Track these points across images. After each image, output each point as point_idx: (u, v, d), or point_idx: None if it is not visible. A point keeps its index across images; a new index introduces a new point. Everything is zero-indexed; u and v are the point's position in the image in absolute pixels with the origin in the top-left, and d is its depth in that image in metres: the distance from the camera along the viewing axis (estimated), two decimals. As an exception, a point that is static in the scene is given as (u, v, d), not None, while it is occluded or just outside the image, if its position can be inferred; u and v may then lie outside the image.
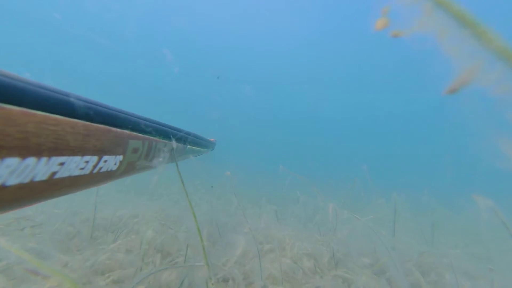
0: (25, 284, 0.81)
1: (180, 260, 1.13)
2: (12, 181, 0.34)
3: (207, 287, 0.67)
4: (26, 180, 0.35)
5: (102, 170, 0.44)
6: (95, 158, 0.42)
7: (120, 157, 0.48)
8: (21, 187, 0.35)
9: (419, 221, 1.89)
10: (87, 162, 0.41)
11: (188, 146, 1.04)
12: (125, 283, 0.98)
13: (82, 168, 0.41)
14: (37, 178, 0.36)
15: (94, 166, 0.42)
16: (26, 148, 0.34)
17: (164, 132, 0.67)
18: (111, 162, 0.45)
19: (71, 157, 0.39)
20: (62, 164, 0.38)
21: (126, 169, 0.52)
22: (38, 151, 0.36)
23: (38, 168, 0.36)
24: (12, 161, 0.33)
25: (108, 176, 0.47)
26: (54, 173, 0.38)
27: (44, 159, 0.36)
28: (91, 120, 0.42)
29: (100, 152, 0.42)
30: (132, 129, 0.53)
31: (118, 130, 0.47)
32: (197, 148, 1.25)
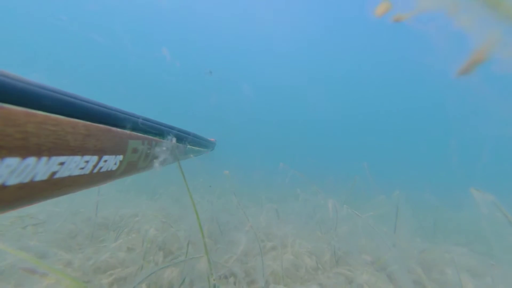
0: (25, 283, 0.82)
1: (182, 258, 1.13)
2: (12, 180, 0.34)
3: (208, 283, 0.67)
4: (26, 180, 0.35)
5: (102, 170, 0.44)
6: (95, 158, 0.42)
7: (120, 157, 0.48)
8: (21, 186, 0.35)
9: (421, 218, 1.89)
10: (87, 162, 0.41)
11: (188, 146, 1.04)
12: (127, 282, 0.99)
13: (82, 168, 0.41)
14: (37, 178, 0.36)
15: (94, 166, 0.43)
16: (26, 148, 0.34)
17: (164, 132, 0.67)
18: (111, 162, 0.46)
19: (71, 157, 0.39)
20: (62, 164, 0.39)
21: (126, 169, 0.52)
22: (38, 151, 0.36)
23: (38, 168, 0.36)
24: (12, 161, 0.33)
25: (108, 176, 0.47)
26: (54, 173, 0.38)
27: (44, 159, 0.37)
28: (91, 120, 0.42)
29: (100, 152, 0.43)
30: (132, 129, 0.53)
31: (118, 130, 0.47)
32: (197, 148, 1.25)
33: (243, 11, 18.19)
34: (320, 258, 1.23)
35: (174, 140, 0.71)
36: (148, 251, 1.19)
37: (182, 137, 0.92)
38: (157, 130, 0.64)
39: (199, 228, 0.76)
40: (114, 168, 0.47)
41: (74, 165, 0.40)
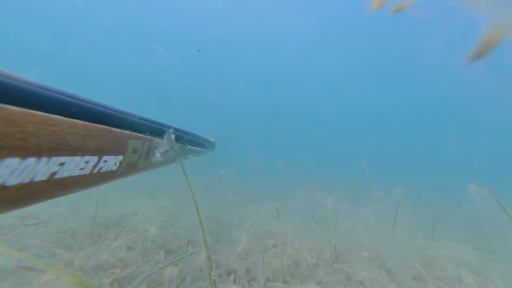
0: (24, 281, 0.82)
1: (182, 256, 1.14)
2: (12, 181, 0.34)
3: (209, 279, 0.67)
4: (26, 180, 0.35)
5: (102, 170, 0.44)
6: (95, 158, 0.42)
7: (120, 157, 0.48)
8: (21, 187, 0.35)
9: (420, 214, 1.89)
10: (87, 162, 0.41)
11: (188, 146, 1.04)
12: (128, 281, 0.99)
13: (82, 168, 0.41)
14: (37, 178, 0.36)
15: (94, 166, 0.43)
16: (26, 148, 0.34)
17: (164, 133, 0.67)
18: (111, 162, 0.45)
19: (71, 157, 0.39)
20: (62, 164, 0.39)
21: (126, 169, 0.52)
22: (38, 151, 0.36)
23: (38, 168, 0.36)
24: (12, 161, 0.33)
25: (108, 176, 0.47)
26: (54, 173, 0.38)
27: (44, 159, 0.36)
28: (91, 121, 0.42)
29: (100, 152, 0.42)
30: (132, 129, 0.53)
31: (118, 130, 0.47)
32: (197, 148, 1.25)
33: (241, 8, 18.13)
34: (320, 255, 1.23)
35: (174, 140, 0.70)
36: (148, 250, 1.19)
37: (182, 137, 0.92)
38: (157, 131, 0.64)
39: (199, 227, 0.76)
40: (114, 168, 0.47)
41: (74, 165, 0.40)
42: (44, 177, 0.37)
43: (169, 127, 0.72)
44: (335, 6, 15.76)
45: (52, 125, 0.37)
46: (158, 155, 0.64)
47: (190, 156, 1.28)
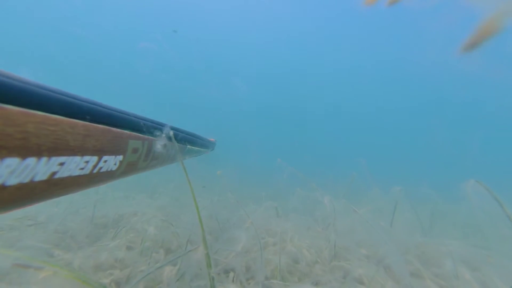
0: (22, 280, 0.82)
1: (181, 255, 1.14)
2: (12, 181, 0.34)
3: (209, 277, 0.67)
4: (26, 180, 0.35)
5: (102, 170, 0.44)
6: (95, 158, 0.42)
7: (120, 157, 0.48)
8: (21, 187, 0.35)
9: (418, 212, 1.90)
10: (87, 162, 0.41)
11: (188, 146, 1.04)
12: (126, 281, 0.99)
13: (82, 168, 0.41)
14: (37, 178, 0.36)
15: (94, 166, 0.43)
16: (26, 148, 0.34)
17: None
18: (111, 162, 0.46)
19: (71, 157, 0.39)
20: (62, 164, 0.39)
21: (126, 169, 0.52)
22: (38, 151, 0.36)
23: (38, 168, 0.36)
24: (12, 161, 0.33)
25: (108, 176, 0.47)
26: (54, 173, 0.38)
27: (44, 159, 0.37)
28: (91, 120, 0.42)
29: (100, 152, 0.43)
30: (132, 129, 0.53)
31: (118, 130, 0.47)
32: (197, 148, 1.25)
33: (237, 6, 18.03)
34: (318, 253, 1.24)
35: (174, 140, 0.70)
36: (147, 249, 1.19)
37: (182, 137, 0.92)
38: (157, 130, 0.64)
39: (198, 226, 0.76)
40: (114, 168, 0.47)
41: (74, 165, 0.40)
42: (44, 177, 0.37)
43: (169, 127, 0.72)
44: (332, 2, 15.74)
45: (52, 125, 0.37)
46: (158, 155, 0.64)
47: (190, 156, 1.28)
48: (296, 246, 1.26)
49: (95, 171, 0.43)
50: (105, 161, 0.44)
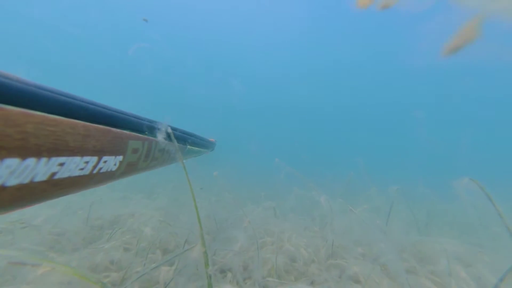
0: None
1: (180, 256, 1.14)
2: (12, 181, 0.34)
3: (206, 274, 0.67)
4: (26, 181, 0.35)
5: (102, 170, 0.44)
6: (94, 159, 0.42)
7: (120, 158, 0.48)
8: (21, 187, 0.35)
9: (414, 211, 1.94)
10: (86, 162, 0.41)
11: (188, 146, 1.03)
12: (124, 281, 0.98)
13: (82, 169, 0.41)
14: (37, 179, 0.36)
15: (94, 167, 0.43)
16: (25, 148, 0.34)
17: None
18: (111, 162, 0.46)
19: (70, 158, 0.39)
20: (62, 164, 0.38)
21: (126, 169, 0.52)
22: (38, 152, 0.36)
23: (38, 169, 0.36)
24: (12, 162, 0.33)
25: (108, 176, 0.47)
26: (54, 174, 0.38)
27: (43, 160, 0.36)
28: (91, 121, 0.42)
29: (100, 152, 0.43)
30: (132, 130, 0.53)
31: (118, 130, 0.47)
32: (197, 148, 1.24)
33: (229, 6, 18.01)
34: (315, 252, 1.26)
35: (174, 140, 0.70)
36: (145, 250, 1.19)
37: (182, 137, 0.92)
38: (157, 131, 0.64)
39: (196, 227, 0.76)
40: (114, 168, 0.47)
41: (73, 165, 0.40)
42: (44, 178, 0.37)
43: (169, 127, 0.72)
44: (328, 3, 15.84)
45: (51, 126, 0.37)
46: (158, 155, 0.64)
47: (190, 156, 1.28)
48: (294, 245, 1.28)
49: (95, 171, 0.43)
50: (105, 162, 0.44)
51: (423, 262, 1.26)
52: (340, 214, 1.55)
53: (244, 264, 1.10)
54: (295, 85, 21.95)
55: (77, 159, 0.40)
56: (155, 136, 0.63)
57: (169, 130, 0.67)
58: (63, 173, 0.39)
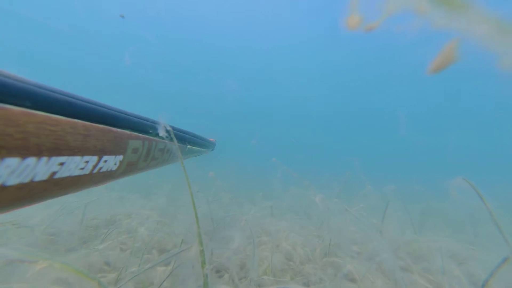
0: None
1: (177, 255, 1.13)
2: (12, 181, 0.34)
3: (202, 272, 0.68)
4: (26, 180, 0.35)
5: (102, 170, 0.44)
6: (95, 158, 0.42)
7: (120, 157, 0.48)
8: (21, 187, 0.35)
9: (409, 210, 1.97)
10: (87, 162, 0.41)
11: (188, 146, 1.03)
12: (120, 281, 0.98)
13: (82, 168, 0.41)
14: (37, 178, 0.36)
15: (94, 166, 0.43)
16: (26, 148, 0.34)
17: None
18: (111, 162, 0.46)
19: (71, 157, 0.39)
20: (62, 164, 0.39)
21: (126, 169, 0.52)
22: (38, 151, 0.36)
23: (38, 168, 0.36)
24: (12, 161, 0.33)
25: (108, 176, 0.47)
26: (54, 173, 0.38)
27: (44, 159, 0.36)
28: (91, 120, 0.42)
29: (100, 152, 0.43)
30: (132, 129, 0.53)
31: (118, 130, 0.47)
32: (197, 148, 1.24)
33: (231, 10, 18.00)
34: (312, 250, 1.27)
35: (174, 140, 0.70)
36: (141, 250, 1.18)
37: (182, 137, 0.92)
38: (157, 130, 0.64)
39: (192, 227, 0.77)
40: (114, 168, 0.47)
41: (74, 165, 0.40)
42: (44, 177, 0.37)
43: (169, 126, 0.72)
44: (324, 7, 15.96)
45: (52, 125, 0.37)
46: (158, 155, 0.64)
47: (190, 156, 1.27)
48: (290, 244, 1.29)
49: (95, 171, 0.43)
50: (105, 161, 0.44)
51: (417, 260, 1.28)
52: (336, 213, 1.56)
53: (241, 263, 1.10)
54: (294, 86, 22.03)
55: (77, 158, 0.40)
56: (155, 136, 0.64)
57: (169, 130, 0.67)
58: (64, 173, 0.39)
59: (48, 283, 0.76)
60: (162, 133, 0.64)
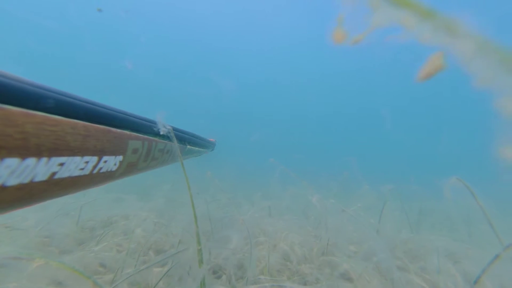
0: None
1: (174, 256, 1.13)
2: (12, 181, 0.33)
3: (200, 271, 0.68)
4: (26, 181, 0.35)
5: (102, 170, 0.44)
6: (95, 159, 0.42)
7: (120, 158, 0.48)
8: (21, 187, 0.35)
9: (406, 209, 1.99)
10: (87, 162, 0.41)
11: (188, 146, 1.03)
12: (117, 281, 0.97)
13: (82, 169, 0.41)
14: (37, 179, 0.36)
15: (94, 167, 0.43)
16: (26, 148, 0.34)
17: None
18: (111, 162, 0.46)
19: (71, 158, 0.39)
20: (62, 164, 0.38)
21: (126, 169, 0.52)
22: (38, 152, 0.36)
23: (38, 169, 0.36)
24: (12, 162, 0.33)
25: (108, 176, 0.47)
26: (54, 174, 0.38)
27: (44, 160, 0.36)
28: (91, 121, 0.42)
29: (100, 152, 0.43)
30: (132, 130, 0.53)
31: (118, 130, 0.48)
32: (197, 149, 1.24)
33: (231, 10, 18.01)
34: (309, 250, 1.28)
35: (175, 140, 0.70)
36: (138, 251, 1.18)
37: (182, 137, 0.92)
38: (157, 131, 0.64)
39: (190, 228, 0.77)
40: (114, 168, 0.47)
41: (74, 165, 0.40)
42: (44, 178, 0.36)
43: (169, 127, 0.72)
44: (324, 7, 16.03)
45: (52, 125, 0.37)
46: (158, 155, 0.64)
47: (190, 156, 1.27)
48: (288, 244, 1.29)
49: (95, 171, 0.43)
50: (105, 162, 0.44)
51: (414, 259, 1.30)
52: (334, 213, 1.57)
53: (238, 264, 1.10)
54: (292, 86, 22.09)
55: (77, 159, 0.40)
56: (155, 136, 0.64)
57: (170, 130, 0.67)
58: (63, 173, 0.39)
59: (43, 284, 0.75)
60: (162, 133, 0.64)
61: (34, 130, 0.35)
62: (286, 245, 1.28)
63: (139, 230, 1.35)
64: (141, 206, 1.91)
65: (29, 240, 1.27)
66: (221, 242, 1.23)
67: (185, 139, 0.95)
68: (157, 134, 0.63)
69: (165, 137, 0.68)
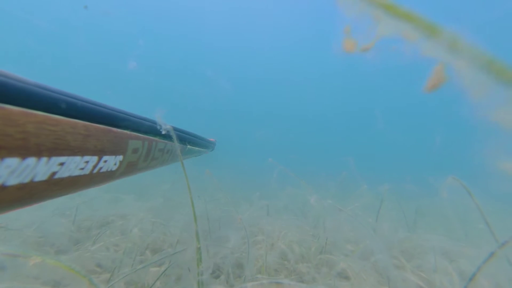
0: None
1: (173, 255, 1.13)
2: (12, 181, 0.33)
3: (197, 269, 0.68)
4: (26, 180, 0.35)
5: (102, 170, 0.44)
6: (95, 158, 0.42)
7: (120, 157, 0.48)
8: (21, 187, 0.35)
9: (404, 208, 2.01)
10: (87, 162, 0.41)
11: (188, 146, 1.03)
12: (113, 280, 0.97)
13: (82, 168, 0.41)
14: (37, 178, 0.36)
15: (94, 166, 0.43)
16: (26, 148, 0.34)
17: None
18: (111, 162, 0.46)
19: (71, 157, 0.39)
20: (62, 164, 0.38)
21: (126, 169, 0.52)
22: (38, 151, 0.36)
23: (38, 168, 0.36)
24: (12, 161, 0.33)
25: (108, 176, 0.47)
26: (54, 173, 0.38)
27: (44, 159, 0.36)
28: (91, 121, 0.42)
29: (100, 152, 0.43)
30: (132, 129, 0.53)
31: (118, 130, 0.47)
32: (197, 148, 1.24)
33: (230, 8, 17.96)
34: (306, 249, 1.29)
35: (175, 140, 0.70)
36: (134, 250, 1.17)
37: (182, 137, 0.92)
38: (157, 131, 0.64)
39: (188, 227, 0.77)
40: (114, 168, 0.47)
41: (74, 165, 0.40)
42: (44, 177, 0.36)
43: (169, 126, 0.71)
44: (324, 7, 16.05)
45: (52, 125, 0.37)
46: (158, 155, 0.64)
47: (190, 156, 1.27)
48: (286, 243, 1.30)
49: (95, 171, 0.43)
50: (105, 161, 0.44)
51: (410, 257, 1.32)
52: (331, 212, 1.59)
53: (236, 262, 1.11)
54: (291, 85, 22.12)
55: (77, 158, 0.40)
56: (155, 136, 0.64)
57: (170, 130, 0.67)
58: (63, 173, 0.39)
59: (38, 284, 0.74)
60: (162, 133, 0.64)
61: (35, 130, 0.35)
62: (284, 244, 1.29)
63: (136, 230, 1.35)
64: (139, 206, 1.90)
65: (23, 239, 1.26)
66: (219, 242, 1.23)
67: (185, 139, 0.95)
68: (157, 134, 0.63)
69: (166, 137, 0.68)
